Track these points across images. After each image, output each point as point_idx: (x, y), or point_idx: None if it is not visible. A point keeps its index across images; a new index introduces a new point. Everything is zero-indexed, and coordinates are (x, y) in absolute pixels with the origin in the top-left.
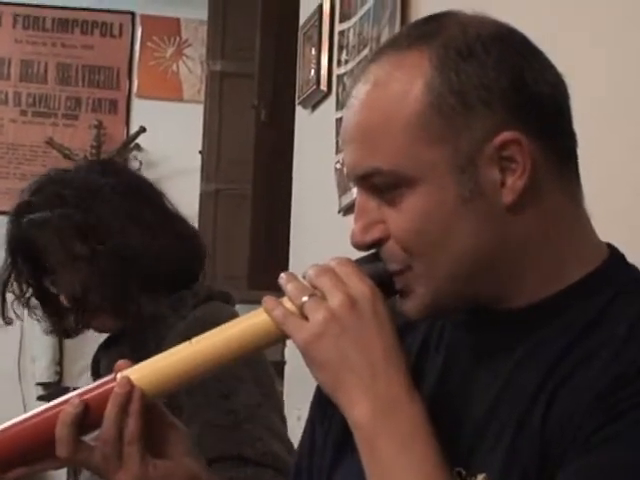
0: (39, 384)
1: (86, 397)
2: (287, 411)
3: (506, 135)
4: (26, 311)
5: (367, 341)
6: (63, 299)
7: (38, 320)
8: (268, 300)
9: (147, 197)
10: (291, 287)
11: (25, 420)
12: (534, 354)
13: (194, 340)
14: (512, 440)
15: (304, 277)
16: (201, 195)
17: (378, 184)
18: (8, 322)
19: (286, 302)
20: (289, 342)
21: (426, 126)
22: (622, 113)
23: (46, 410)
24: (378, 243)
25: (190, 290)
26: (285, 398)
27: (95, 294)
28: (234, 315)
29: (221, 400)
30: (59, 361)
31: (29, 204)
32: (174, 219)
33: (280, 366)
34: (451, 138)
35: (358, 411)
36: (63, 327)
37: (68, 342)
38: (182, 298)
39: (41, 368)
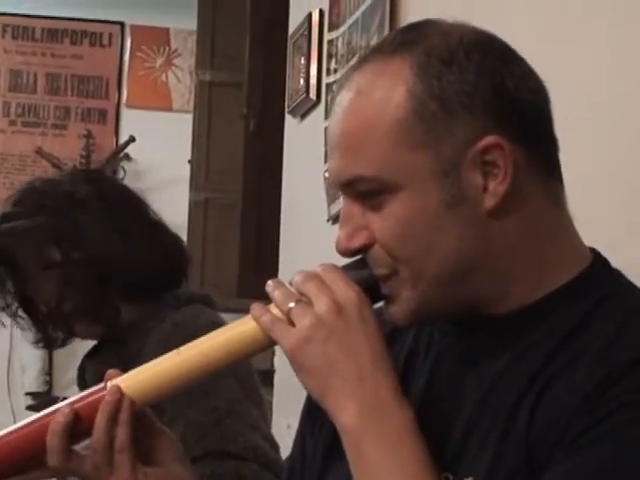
0: (28, 394)
1: (76, 406)
2: (276, 420)
3: (488, 140)
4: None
5: (354, 346)
6: (42, 308)
7: (23, 330)
8: (256, 307)
9: (129, 206)
10: (278, 294)
11: (16, 430)
12: (519, 359)
13: (182, 348)
14: (498, 445)
15: (291, 284)
16: (190, 204)
17: (362, 191)
18: None
19: (274, 309)
20: (278, 351)
21: (408, 132)
22: (619, 110)
23: (36, 420)
24: (364, 249)
25: (171, 294)
26: (274, 407)
27: (69, 302)
28: (215, 318)
29: (202, 398)
30: (48, 371)
31: (9, 215)
32: (156, 227)
33: (269, 375)
34: (433, 144)
35: (345, 415)
36: (48, 338)
37: (58, 352)
38: (162, 302)
39: (30, 378)
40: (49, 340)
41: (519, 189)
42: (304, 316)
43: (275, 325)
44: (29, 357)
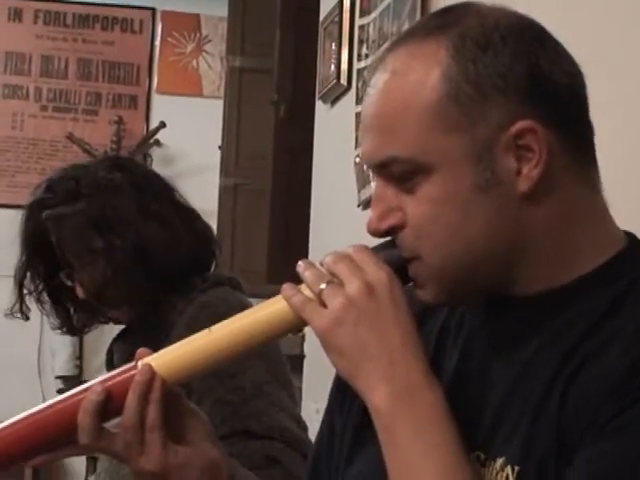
0: (59, 377)
1: (108, 384)
2: (305, 404)
3: (522, 124)
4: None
5: (385, 327)
6: (80, 293)
7: (47, 316)
8: (287, 287)
9: (161, 192)
10: (309, 274)
11: (47, 408)
12: (550, 342)
13: (213, 328)
14: (529, 427)
15: (322, 264)
16: (220, 190)
17: (395, 172)
18: (27, 318)
19: (304, 289)
20: (308, 336)
21: (442, 115)
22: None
23: (68, 398)
24: (394, 230)
25: (199, 275)
26: (304, 391)
27: (114, 287)
28: (243, 300)
29: (229, 378)
30: (79, 355)
31: (44, 199)
32: (187, 213)
33: (299, 360)
34: (467, 127)
35: (377, 397)
36: (71, 324)
37: (88, 336)
38: (190, 283)
39: (61, 362)
40: (72, 326)
41: (553, 173)
42: (335, 297)
43: (306, 306)
44: (59, 341)
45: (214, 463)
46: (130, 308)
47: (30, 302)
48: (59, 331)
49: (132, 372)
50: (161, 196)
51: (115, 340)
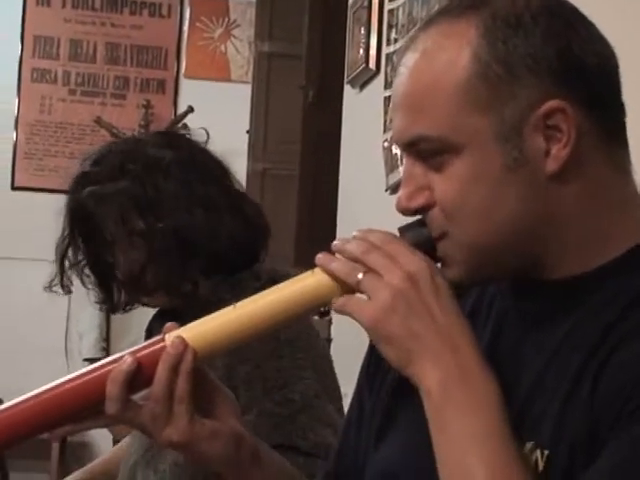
0: (86, 360)
1: (137, 356)
2: None
3: (551, 104)
4: (76, 283)
5: (433, 315)
6: (119, 274)
7: (89, 289)
8: (323, 256)
9: (211, 173)
10: (338, 266)
11: (76, 378)
12: (581, 326)
13: (239, 303)
14: (560, 412)
15: (336, 251)
16: (248, 175)
17: (424, 151)
18: (69, 291)
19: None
20: (335, 320)
21: (472, 94)
22: None
23: (97, 368)
24: (423, 209)
25: (251, 271)
26: None
27: (150, 273)
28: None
29: (278, 389)
30: (106, 337)
31: (89, 173)
32: (238, 197)
33: (327, 344)
34: (497, 106)
35: (429, 381)
36: (112, 301)
37: (115, 319)
38: (242, 280)
39: (88, 344)
40: (113, 304)
41: (582, 154)
42: (379, 288)
43: (350, 300)
44: (86, 324)
45: (239, 436)
46: (168, 296)
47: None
48: (99, 305)
49: (162, 344)
50: (209, 178)
51: (155, 318)
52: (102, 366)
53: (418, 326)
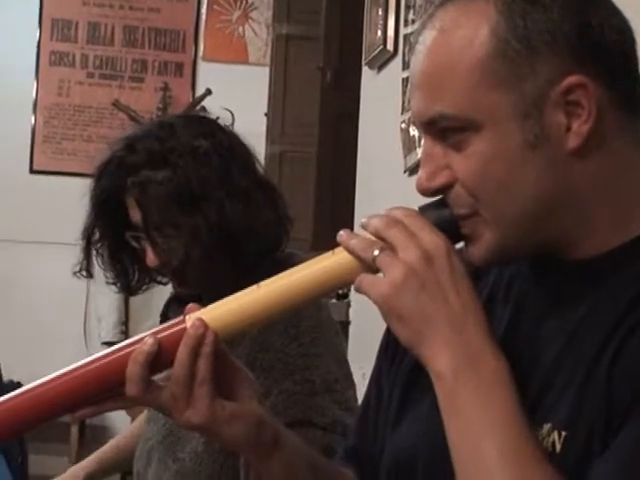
0: (105, 343)
1: (159, 337)
2: (352, 369)
3: (572, 79)
4: (96, 267)
5: (446, 295)
6: (150, 259)
7: (104, 269)
8: (344, 233)
9: (248, 164)
10: (356, 242)
11: (96, 360)
12: (601, 306)
13: (262, 284)
14: (578, 393)
15: (363, 227)
16: (266, 157)
17: (444, 129)
18: (90, 276)
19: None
20: (354, 302)
21: (491, 71)
22: None
23: (118, 349)
24: (444, 189)
25: (273, 260)
26: (349, 357)
27: (191, 266)
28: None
29: (299, 371)
30: (124, 321)
31: (125, 157)
32: (268, 189)
33: (345, 326)
34: (516, 83)
35: (440, 363)
36: (129, 283)
37: (133, 302)
38: (265, 269)
39: (107, 328)
40: (128, 285)
41: (603, 130)
42: (394, 265)
43: (365, 277)
44: (105, 307)
45: (260, 419)
46: (195, 285)
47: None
48: (114, 286)
49: (182, 325)
50: (247, 169)
51: (170, 303)
52: (123, 347)
53: (430, 306)
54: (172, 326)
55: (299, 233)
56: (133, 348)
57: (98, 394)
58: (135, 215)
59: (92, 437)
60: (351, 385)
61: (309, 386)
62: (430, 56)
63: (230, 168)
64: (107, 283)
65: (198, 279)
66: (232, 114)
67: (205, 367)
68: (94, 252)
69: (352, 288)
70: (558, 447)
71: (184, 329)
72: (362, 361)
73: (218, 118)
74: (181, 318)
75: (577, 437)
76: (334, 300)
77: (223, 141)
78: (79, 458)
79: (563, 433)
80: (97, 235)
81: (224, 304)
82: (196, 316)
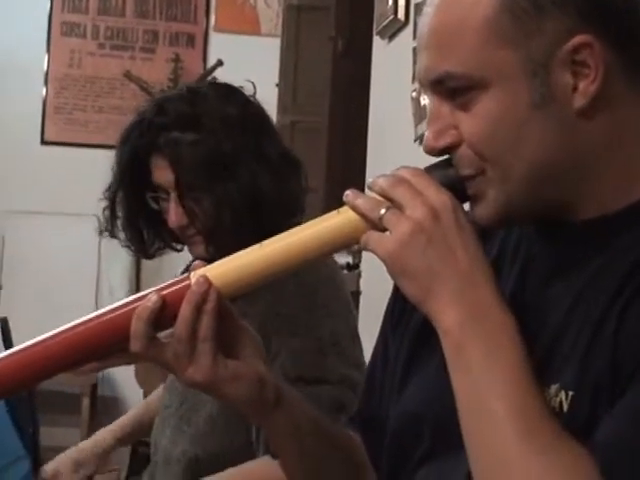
0: None
1: (163, 294)
2: (362, 340)
3: (579, 39)
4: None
5: (453, 251)
6: (172, 220)
7: (120, 230)
8: (351, 192)
9: (271, 134)
10: (363, 202)
11: (101, 315)
12: (608, 267)
13: (266, 242)
14: (585, 353)
15: (369, 188)
16: (277, 127)
17: (451, 88)
18: (114, 236)
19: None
20: (365, 272)
21: (498, 29)
22: None
23: (123, 305)
24: (451, 148)
25: (289, 227)
26: (360, 327)
27: (219, 227)
28: (332, 269)
29: (308, 330)
30: (136, 292)
31: (155, 120)
32: (292, 160)
33: (356, 296)
34: (523, 41)
35: (447, 318)
36: (144, 246)
37: (145, 273)
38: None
39: (118, 299)
40: (143, 248)
41: (609, 91)
42: (400, 222)
43: (371, 235)
44: (117, 279)
45: (262, 379)
46: (215, 250)
47: (91, 237)
48: (127, 248)
49: (186, 282)
50: (274, 140)
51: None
52: (127, 304)
53: (437, 262)
54: (177, 283)
55: (311, 203)
56: (137, 304)
57: (102, 350)
58: (160, 176)
59: (103, 409)
60: (358, 344)
61: (318, 343)
62: (438, 15)
63: (259, 137)
64: (121, 245)
65: (226, 244)
66: (254, 85)
67: (207, 324)
68: (106, 212)
69: (362, 259)
70: (565, 407)
71: (188, 286)
72: (373, 330)
73: (242, 88)
74: (186, 275)
75: (584, 397)
76: (345, 271)
77: (252, 110)
78: (90, 430)
79: (570, 393)
80: (119, 195)
81: (229, 262)
82: (200, 273)
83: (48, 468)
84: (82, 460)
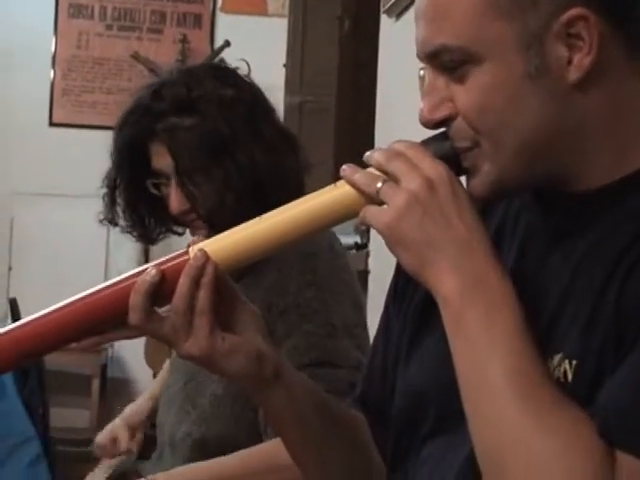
0: None
1: (161, 268)
2: (371, 319)
3: (573, 12)
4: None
5: (450, 220)
6: (174, 206)
7: (121, 217)
8: (347, 167)
9: (267, 112)
10: (360, 176)
11: (100, 290)
12: (605, 238)
13: (265, 215)
14: (587, 321)
15: (365, 160)
16: (285, 108)
17: (446, 61)
18: (116, 224)
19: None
20: (373, 252)
21: (494, 2)
22: None
23: (122, 280)
24: (446, 121)
25: None
26: (369, 307)
27: (222, 209)
28: (330, 239)
29: (319, 315)
30: None
31: (152, 105)
32: (289, 137)
33: (364, 275)
34: (518, 14)
35: (446, 287)
36: (145, 231)
37: (153, 255)
38: None
39: None
40: (145, 234)
41: (604, 64)
42: (396, 194)
43: (369, 209)
44: (125, 263)
45: (261, 353)
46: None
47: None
48: (130, 233)
49: (185, 257)
50: (269, 118)
51: None
52: (127, 278)
53: (434, 232)
54: (176, 257)
55: (319, 183)
56: (137, 279)
57: (102, 324)
58: (159, 162)
59: (113, 390)
60: (366, 331)
61: (330, 329)
62: None
63: (255, 116)
64: (123, 232)
65: (228, 227)
66: (248, 65)
67: (205, 297)
68: (107, 198)
69: (370, 239)
70: (570, 376)
71: (187, 260)
72: (381, 310)
73: (238, 69)
74: (185, 250)
75: (587, 365)
76: (353, 250)
77: (246, 90)
78: (100, 411)
79: (574, 362)
80: (119, 182)
81: (228, 236)
82: (199, 247)
83: (103, 437)
84: (135, 425)
